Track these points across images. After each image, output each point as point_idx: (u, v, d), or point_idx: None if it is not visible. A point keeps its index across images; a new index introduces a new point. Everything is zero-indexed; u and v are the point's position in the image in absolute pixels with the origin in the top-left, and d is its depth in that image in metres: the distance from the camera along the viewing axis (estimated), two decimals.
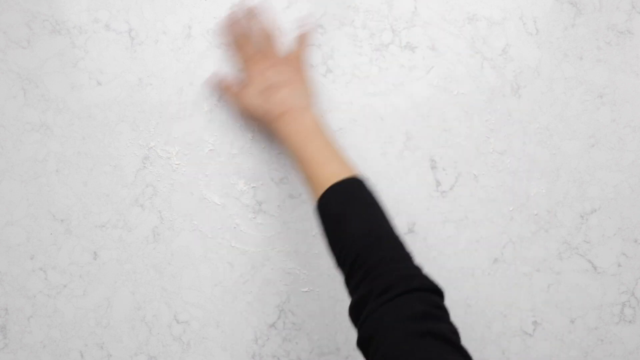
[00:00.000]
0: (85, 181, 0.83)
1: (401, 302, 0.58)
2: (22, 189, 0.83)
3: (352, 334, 0.83)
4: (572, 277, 0.84)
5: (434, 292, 0.60)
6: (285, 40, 0.81)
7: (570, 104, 0.84)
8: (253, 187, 0.83)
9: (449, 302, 0.61)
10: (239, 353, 0.84)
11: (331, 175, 0.68)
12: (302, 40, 0.80)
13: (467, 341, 0.77)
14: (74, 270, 0.83)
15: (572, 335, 0.83)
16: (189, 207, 0.83)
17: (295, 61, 0.79)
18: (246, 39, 0.79)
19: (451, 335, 0.56)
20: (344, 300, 0.83)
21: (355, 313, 0.61)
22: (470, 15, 0.84)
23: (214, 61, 0.83)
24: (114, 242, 0.83)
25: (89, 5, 0.83)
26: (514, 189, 0.84)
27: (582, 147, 0.84)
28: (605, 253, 0.84)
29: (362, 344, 0.59)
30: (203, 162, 0.83)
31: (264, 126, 0.79)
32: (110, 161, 0.83)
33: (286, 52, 0.79)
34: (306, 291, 0.83)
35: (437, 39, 0.84)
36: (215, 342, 0.83)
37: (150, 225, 0.83)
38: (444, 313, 0.59)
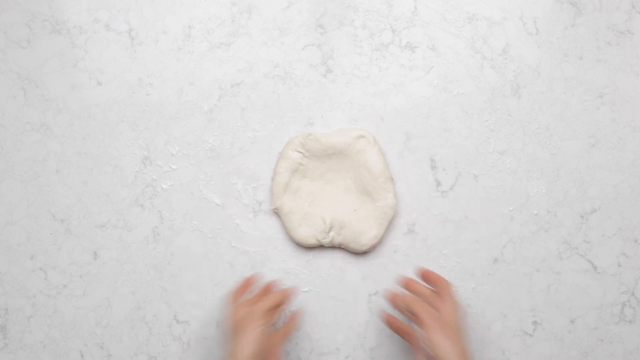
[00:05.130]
0: (85, 181, 0.83)
1: None
2: (22, 189, 0.83)
3: (352, 333, 0.83)
4: (572, 277, 0.83)
5: None
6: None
7: (570, 104, 0.84)
8: (253, 187, 0.83)
9: None
10: None
11: None
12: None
13: (467, 341, 0.77)
14: (74, 270, 0.83)
15: (572, 335, 0.83)
16: (189, 207, 0.83)
17: None
18: None
19: None
20: (344, 300, 0.83)
21: None
22: (470, 15, 0.84)
23: (214, 61, 0.83)
24: (114, 242, 0.83)
25: (89, 5, 0.83)
26: (514, 189, 0.84)
27: (582, 147, 0.84)
28: (605, 253, 0.84)
29: None
30: (203, 162, 0.83)
31: None
32: (110, 161, 0.83)
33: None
34: (306, 291, 0.83)
35: (437, 39, 0.84)
36: (215, 342, 0.83)
37: (150, 225, 0.83)
38: None
